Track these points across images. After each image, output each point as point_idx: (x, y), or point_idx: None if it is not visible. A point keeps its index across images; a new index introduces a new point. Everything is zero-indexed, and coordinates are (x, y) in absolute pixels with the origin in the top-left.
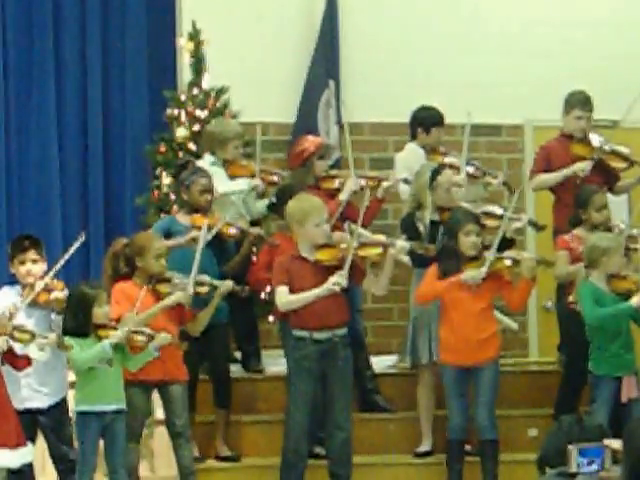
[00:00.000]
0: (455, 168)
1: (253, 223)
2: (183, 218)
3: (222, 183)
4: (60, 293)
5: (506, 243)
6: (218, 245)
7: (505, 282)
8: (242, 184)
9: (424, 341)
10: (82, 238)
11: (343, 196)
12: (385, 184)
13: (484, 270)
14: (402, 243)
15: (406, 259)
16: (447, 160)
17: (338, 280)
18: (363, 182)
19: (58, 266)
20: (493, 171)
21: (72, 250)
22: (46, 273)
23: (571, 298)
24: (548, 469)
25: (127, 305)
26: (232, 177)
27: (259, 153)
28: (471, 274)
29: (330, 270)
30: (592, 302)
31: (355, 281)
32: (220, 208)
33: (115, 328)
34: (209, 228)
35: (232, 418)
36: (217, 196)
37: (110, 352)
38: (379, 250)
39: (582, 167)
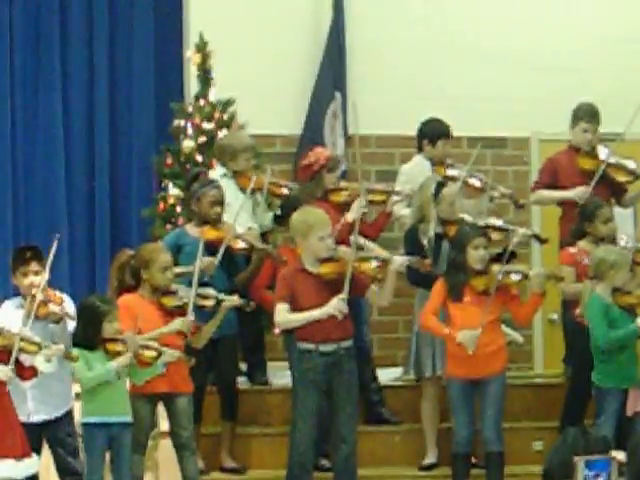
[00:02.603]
0: (455, 180)
1: (263, 235)
2: (193, 230)
3: (232, 199)
4: (57, 307)
5: (508, 256)
6: (227, 258)
7: (513, 296)
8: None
9: (428, 354)
10: (57, 240)
11: (351, 216)
12: (395, 198)
13: (478, 333)
14: (399, 258)
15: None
16: (449, 173)
17: (339, 306)
18: (378, 198)
19: (46, 276)
20: (498, 185)
21: (51, 255)
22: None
23: (578, 311)
24: None
25: (129, 322)
26: (242, 189)
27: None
28: (464, 337)
29: (333, 284)
30: (604, 323)
31: (357, 294)
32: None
33: (124, 342)
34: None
35: (238, 430)
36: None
37: (114, 376)
38: (376, 265)
39: (580, 194)
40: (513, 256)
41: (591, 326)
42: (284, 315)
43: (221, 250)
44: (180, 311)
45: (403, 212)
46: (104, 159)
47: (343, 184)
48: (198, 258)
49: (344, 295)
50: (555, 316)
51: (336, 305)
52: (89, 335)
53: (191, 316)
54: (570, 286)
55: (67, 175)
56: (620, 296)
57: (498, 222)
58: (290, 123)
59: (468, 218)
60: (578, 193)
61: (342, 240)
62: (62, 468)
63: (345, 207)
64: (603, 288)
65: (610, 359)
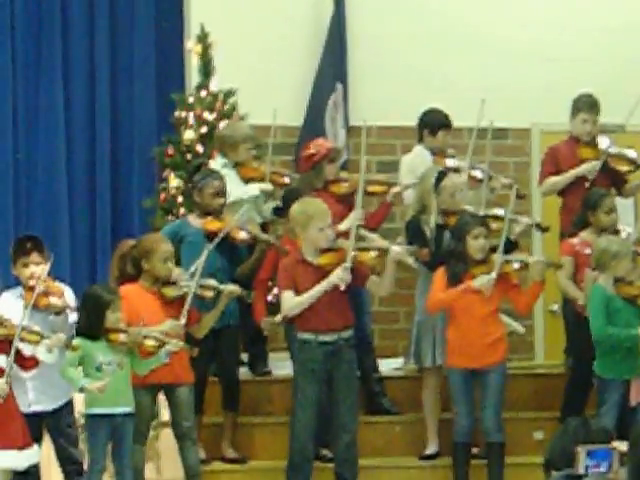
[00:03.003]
0: (458, 171)
1: (263, 225)
2: (195, 221)
3: (234, 187)
4: (57, 300)
5: (510, 246)
6: (230, 249)
7: (513, 285)
8: (253, 190)
9: (428, 344)
10: (51, 260)
11: (343, 227)
12: (395, 189)
13: (494, 275)
14: (397, 248)
15: (411, 261)
16: (449, 163)
17: (342, 274)
18: (378, 189)
19: (47, 268)
20: (499, 175)
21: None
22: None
23: (580, 302)
24: (554, 471)
25: (130, 312)
26: (244, 179)
27: (270, 155)
28: (481, 281)
29: None
30: (603, 315)
31: (358, 284)
32: (232, 210)
33: (126, 332)
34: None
35: (239, 420)
36: (228, 204)
37: (77, 389)
38: (374, 255)
39: (590, 168)
40: (515, 246)
41: (590, 317)
42: (291, 301)
43: (217, 239)
44: (181, 301)
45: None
46: (105, 150)
47: (343, 175)
48: (204, 252)
49: (347, 264)
50: (556, 307)
51: (340, 274)
52: (92, 325)
53: (182, 320)
54: (562, 280)
55: (68, 165)
56: (622, 287)
57: (500, 212)
58: (291, 114)
59: (470, 209)
60: (588, 167)
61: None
62: (63, 458)
63: (345, 198)
64: (605, 279)
65: (612, 350)
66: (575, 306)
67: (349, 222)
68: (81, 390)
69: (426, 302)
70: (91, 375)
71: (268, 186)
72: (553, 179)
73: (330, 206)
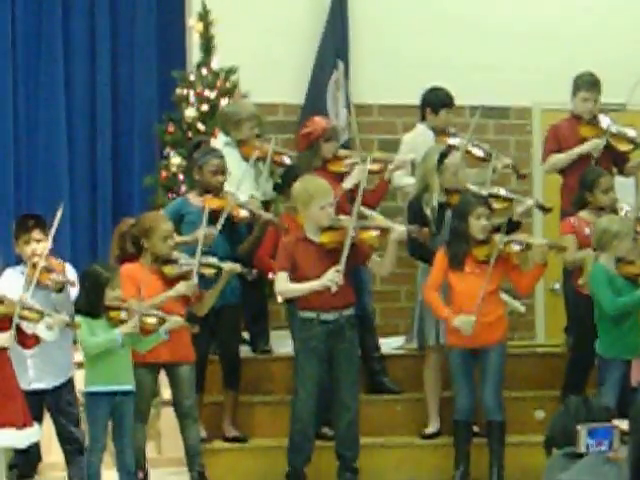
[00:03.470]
0: (458, 149)
1: (264, 204)
2: (195, 199)
3: (235, 166)
4: (59, 276)
5: (512, 226)
6: (230, 227)
7: (513, 266)
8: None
9: (431, 323)
10: (61, 209)
11: (347, 185)
12: (391, 166)
13: (473, 318)
14: (400, 228)
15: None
16: (451, 142)
17: (334, 277)
18: (376, 167)
19: (49, 245)
20: (500, 154)
21: (56, 224)
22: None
23: (580, 281)
24: (555, 450)
25: (132, 289)
26: (245, 158)
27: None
28: (461, 321)
29: (335, 253)
30: (609, 291)
31: (359, 262)
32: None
33: (126, 309)
34: (219, 211)
35: (240, 399)
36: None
37: (120, 342)
38: (376, 234)
39: (595, 146)
40: (517, 226)
41: (597, 296)
42: (284, 284)
43: (221, 219)
44: (181, 280)
45: (405, 181)
46: (106, 127)
47: (342, 153)
48: (202, 227)
49: (340, 267)
50: (557, 286)
51: (331, 276)
52: (92, 302)
53: (195, 279)
54: (571, 254)
55: (69, 143)
56: (623, 266)
57: (502, 191)
58: (293, 92)
59: (473, 188)
60: (592, 145)
61: (343, 210)
62: (64, 437)
63: (344, 177)
64: (606, 258)
65: (613, 328)
66: (576, 284)
67: (351, 181)
68: (121, 342)
69: (425, 288)
70: (93, 351)
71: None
72: (556, 157)
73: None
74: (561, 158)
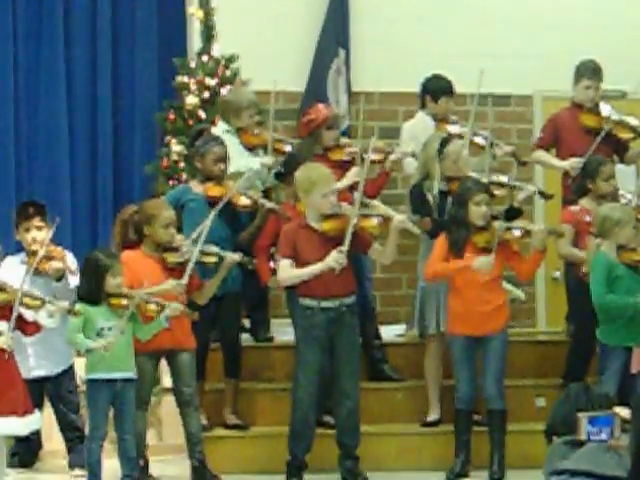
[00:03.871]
0: (460, 137)
1: (265, 192)
2: (197, 187)
3: (235, 154)
4: (59, 263)
5: (514, 213)
6: (231, 215)
7: (514, 253)
8: (254, 163)
9: (432, 311)
10: (57, 222)
11: (341, 184)
12: (392, 157)
13: (493, 257)
14: (399, 216)
15: (414, 229)
16: (451, 129)
17: (338, 258)
18: (377, 157)
19: (50, 234)
20: (501, 142)
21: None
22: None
23: (584, 269)
24: (556, 438)
25: (132, 277)
26: (246, 146)
27: (272, 122)
28: (481, 262)
29: (336, 241)
30: (604, 282)
31: (360, 250)
32: (233, 179)
33: (127, 296)
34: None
35: (241, 387)
36: (229, 174)
37: (83, 351)
38: (377, 222)
39: (574, 165)
40: (519, 213)
41: (591, 284)
42: (287, 271)
43: (221, 203)
44: (182, 267)
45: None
46: (107, 115)
47: (342, 141)
48: (208, 217)
49: (344, 247)
50: (558, 274)
51: (335, 257)
52: (93, 289)
53: (184, 280)
54: (565, 247)
55: (70, 131)
56: (625, 253)
57: (504, 178)
58: (294, 79)
59: (474, 175)
60: (572, 164)
61: (344, 198)
62: (64, 424)
63: (345, 165)
64: (608, 246)
65: (613, 318)
66: (577, 272)
67: (346, 182)
68: (88, 352)
69: (424, 269)
70: (92, 340)
71: (269, 160)
72: (539, 155)
73: None
74: (542, 161)
